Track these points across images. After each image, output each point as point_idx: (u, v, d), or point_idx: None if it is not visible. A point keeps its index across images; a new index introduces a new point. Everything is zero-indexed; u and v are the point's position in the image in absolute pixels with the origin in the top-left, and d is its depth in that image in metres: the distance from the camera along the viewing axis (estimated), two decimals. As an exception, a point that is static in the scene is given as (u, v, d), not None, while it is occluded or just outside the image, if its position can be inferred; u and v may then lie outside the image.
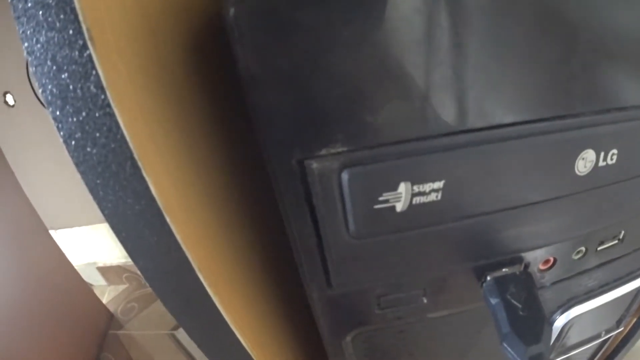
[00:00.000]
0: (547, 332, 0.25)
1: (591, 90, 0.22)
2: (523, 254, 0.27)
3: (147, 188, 0.19)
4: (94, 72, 0.16)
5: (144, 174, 0.19)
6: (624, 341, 0.58)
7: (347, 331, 0.28)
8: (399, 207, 0.19)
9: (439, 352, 0.34)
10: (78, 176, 0.85)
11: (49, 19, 0.16)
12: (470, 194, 0.21)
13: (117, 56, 0.17)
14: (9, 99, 0.94)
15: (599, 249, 0.33)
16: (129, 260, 0.93)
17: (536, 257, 0.28)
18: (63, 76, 0.17)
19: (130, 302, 1.30)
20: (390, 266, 0.23)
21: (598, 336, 0.48)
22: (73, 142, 0.19)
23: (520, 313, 0.25)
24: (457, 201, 0.21)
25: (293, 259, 0.23)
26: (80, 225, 1.21)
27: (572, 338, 0.45)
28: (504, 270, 0.26)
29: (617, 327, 0.50)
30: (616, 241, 0.34)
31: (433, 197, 0.20)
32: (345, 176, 0.18)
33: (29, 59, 0.16)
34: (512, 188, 0.22)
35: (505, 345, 0.25)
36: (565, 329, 0.40)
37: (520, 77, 0.19)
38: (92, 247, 1.28)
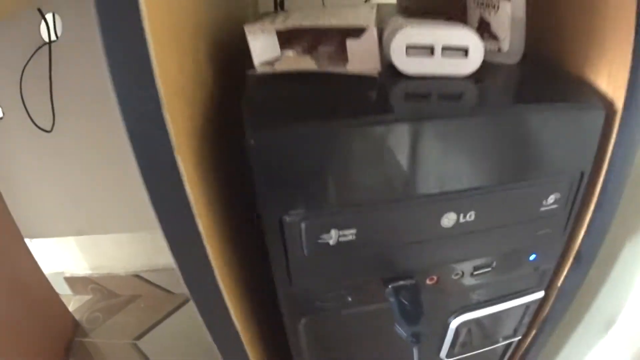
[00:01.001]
0: (424, 320, 0.46)
1: (455, 177, 0.42)
2: (413, 272, 0.48)
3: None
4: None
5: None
6: (528, 348, 0.77)
7: (301, 316, 0.48)
8: (331, 242, 0.40)
9: (364, 336, 0.55)
10: (57, 190, 1.03)
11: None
12: (371, 237, 0.42)
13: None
14: (-1, 111, 1.09)
15: (474, 273, 0.53)
16: (95, 271, 1.10)
17: (424, 275, 0.49)
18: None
19: (95, 312, 1.45)
20: (327, 275, 0.44)
21: (496, 341, 0.68)
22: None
23: (407, 308, 0.46)
24: (364, 240, 0.41)
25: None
26: (53, 236, 1.35)
27: (473, 339, 0.64)
28: (400, 282, 0.47)
29: (515, 335, 0.69)
30: (489, 269, 0.54)
31: (350, 237, 0.40)
32: (302, 225, 0.39)
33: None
34: (398, 234, 0.43)
35: (397, 326, 0.45)
36: (462, 330, 0.60)
37: (402, 174, 0.40)
38: (61, 257, 1.42)
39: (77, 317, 1.42)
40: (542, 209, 0.48)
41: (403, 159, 0.39)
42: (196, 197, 0.35)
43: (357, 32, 0.41)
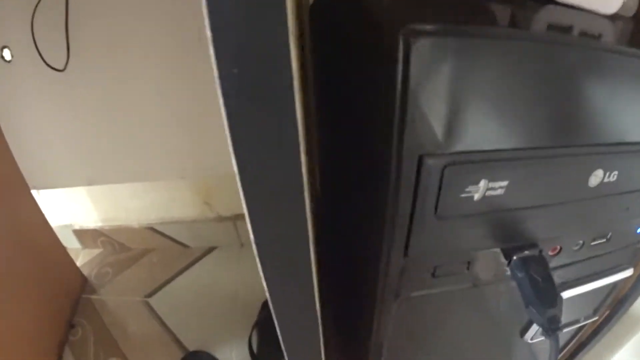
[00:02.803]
0: (560, 300, 0.36)
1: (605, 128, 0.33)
2: (539, 241, 0.38)
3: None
4: None
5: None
6: (596, 331, 0.71)
7: (400, 294, 0.38)
8: (476, 197, 0.30)
9: (466, 324, 0.45)
10: (67, 137, 0.92)
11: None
12: (521, 192, 0.31)
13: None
14: (6, 54, 0.97)
15: (592, 244, 0.44)
16: (106, 223, 1.00)
17: (548, 244, 0.39)
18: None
19: (104, 267, 1.35)
20: (453, 243, 0.33)
21: (577, 321, 0.60)
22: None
23: (541, 285, 0.36)
24: (512, 196, 0.31)
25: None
26: (62, 186, 1.25)
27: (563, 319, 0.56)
28: (526, 252, 0.37)
29: (594, 315, 0.62)
30: (604, 240, 0.46)
31: (499, 191, 0.30)
32: (448, 171, 0.28)
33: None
34: (547, 191, 0.33)
35: (531, 307, 0.36)
36: (555, 309, 0.51)
37: (560, 120, 0.30)
38: (69, 209, 1.32)
39: (85, 272, 1.32)
40: None
41: (572, 94, 0.30)
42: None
43: None
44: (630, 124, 0.36)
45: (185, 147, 1.09)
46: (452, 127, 0.27)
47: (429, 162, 0.28)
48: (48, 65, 0.95)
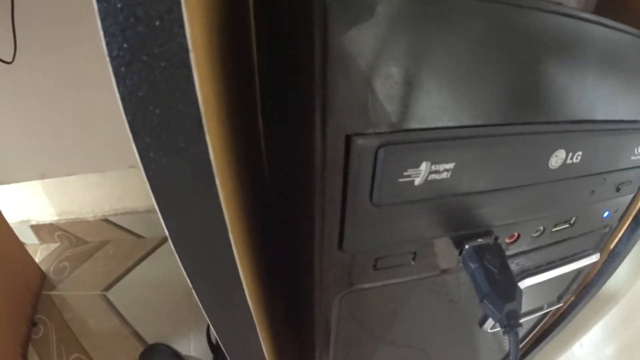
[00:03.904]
0: (519, 293, 0.33)
1: (568, 105, 0.29)
2: (495, 228, 0.34)
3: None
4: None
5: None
6: (562, 317, 0.69)
7: (341, 290, 0.34)
8: (417, 181, 0.25)
9: (420, 317, 0.41)
10: (18, 131, 0.88)
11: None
12: (469, 176, 0.27)
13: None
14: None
15: (553, 229, 0.41)
16: (62, 217, 0.96)
17: (504, 232, 0.35)
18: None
19: (62, 261, 1.31)
20: (395, 233, 0.29)
21: (541, 308, 0.58)
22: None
23: (496, 277, 0.32)
24: (459, 180, 0.27)
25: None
26: (16, 182, 1.20)
27: (523, 307, 0.53)
28: (479, 240, 0.33)
29: (558, 302, 0.60)
30: (567, 225, 0.42)
31: (444, 175, 0.26)
32: (381, 153, 0.24)
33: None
34: (500, 174, 0.29)
35: (486, 302, 0.32)
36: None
37: (518, 93, 0.26)
38: (25, 204, 1.28)
39: (44, 268, 1.28)
40: (633, 157, 0.41)
41: (529, 64, 0.26)
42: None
43: None
44: (597, 101, 0.32)
45: None
46: (384, 101, 0.22)
47: (359, 142, 0.23)
48: (-4, 57, 0.90)
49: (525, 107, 0.27)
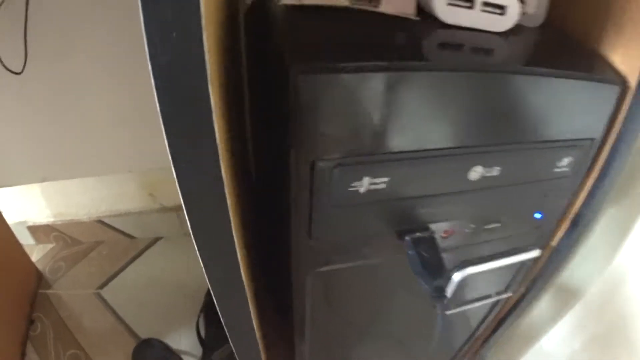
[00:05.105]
0: (446, 273, 0.45)
1: (482, 131, 0.42)
2: (431, 225, 0.47)
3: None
4: None
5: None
6: (515, 306, 0.79)
7: (312, 269, 0.47)
8: (362, 190, 0.38)
9: (382, 297, 0.54)
10: (22, 137, 1.00)
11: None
12: (402, 186, 0.40)
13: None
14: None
15: (486, 227, 0.53)
16: (58, 219, 1.07)
17: (440, 227, 0.48)
18: None
19: (58, 261, 1.42)
20: (348, 227, 0.42)
21: (489, 296, 0.70)
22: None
23: (429, 261, 0.45)
24: (394, 190, 0.40)
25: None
26: (18, 184, 1.30)
27: (470, 293, 0.66)
28: (417, 234, 0.46)
29: (506, 292, 0.72)
30: (499, 224, 0.55)
31: (381, 185, 0.39)
32: (335, 172, 0.37)
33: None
34: (428, 184, 0.42)
35: (419, 278, 0.44)
36: (463, 284, 0.60)
37: (433, 128, 0.39)
38: (23, 206, 1.37)
39: (40, 267, 1.38)
40: (556, 169, 0.51)
41: (445, 107, 0.39)
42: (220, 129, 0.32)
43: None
44: (503, 127, 0.43)
45: (131, 143, 1.19)
46: (336, 138, 0.35)
47: (320, 164, 0.36)
48: (7, 68, 1.01)
49: (438, 137, 0.40)
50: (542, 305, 1.09)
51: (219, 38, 0.35)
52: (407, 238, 0.46)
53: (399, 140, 0.38)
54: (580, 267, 0.93)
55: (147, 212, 1.41)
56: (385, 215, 0.43)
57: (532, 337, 1.09)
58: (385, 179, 0.39)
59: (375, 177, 0.38)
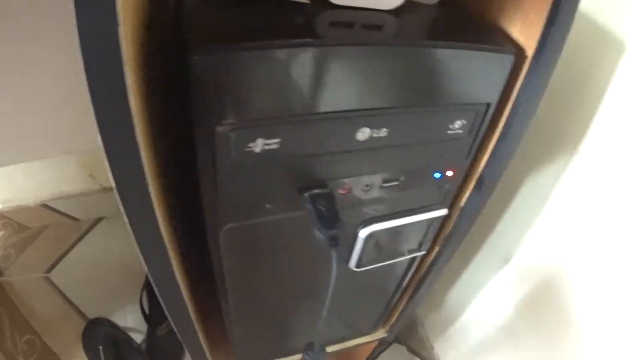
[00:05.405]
0: (340, 224, 0.53)
1: (371, 96, 0.49)
2: (330, 182, 0.55)
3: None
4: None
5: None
6: (432, 264, 0.85)
7: (223, 225, 0.55)
8: (257, 150, 0.46)
9: (280, 246, 0.62)
10: None
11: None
12: (293, 146, 0.48)
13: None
14: None
15: (383, 185, 0.61)
16: (5, 205, 1.11)
17: (337, 184, 0.56)
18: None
19: (8, 248, 1.45)
20: (250, 184, 0.50)
21: (402, 253, 0.77)
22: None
23: (324, 214, 0.53)
24: (287, 149, 0.47)
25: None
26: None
27: (381, 250, 0.73)
28: (316, 190, 0.54)
29: (420, 250, 0.79)
30: (397, 182, 0.62)
31: (274, 146, 0.46)
32: (232, 134, 0.44)
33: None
34: (318, 144, 0.50)
35: (315, 229, 0.52)
36: (370, 241, 0.68)
37: (324, 92, 0.46)
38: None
39: (-9, 256, 1.42)
40: (449, 132, 0.56)
41: (326, 78, 0.45)
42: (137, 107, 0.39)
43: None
44: (390, 93, 0.49)
45: (70, 125, 1.20)
46: (231, 106, 0.43)
47: (219, 129, 0.43)
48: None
49: (327, 103, 0.46)
50: (470, 270, 1.18)
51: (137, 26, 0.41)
52: (305, 194, 0.53)
53: (288, 106, 0.45)
54: (504, 232, 1.02)
55: (88, 193, 1.46)
56: (284, 172, 0.51)
57: (463, 303, 1.20)
58: (277, 140, 0.46)
59: (267, 138, 0.45)
